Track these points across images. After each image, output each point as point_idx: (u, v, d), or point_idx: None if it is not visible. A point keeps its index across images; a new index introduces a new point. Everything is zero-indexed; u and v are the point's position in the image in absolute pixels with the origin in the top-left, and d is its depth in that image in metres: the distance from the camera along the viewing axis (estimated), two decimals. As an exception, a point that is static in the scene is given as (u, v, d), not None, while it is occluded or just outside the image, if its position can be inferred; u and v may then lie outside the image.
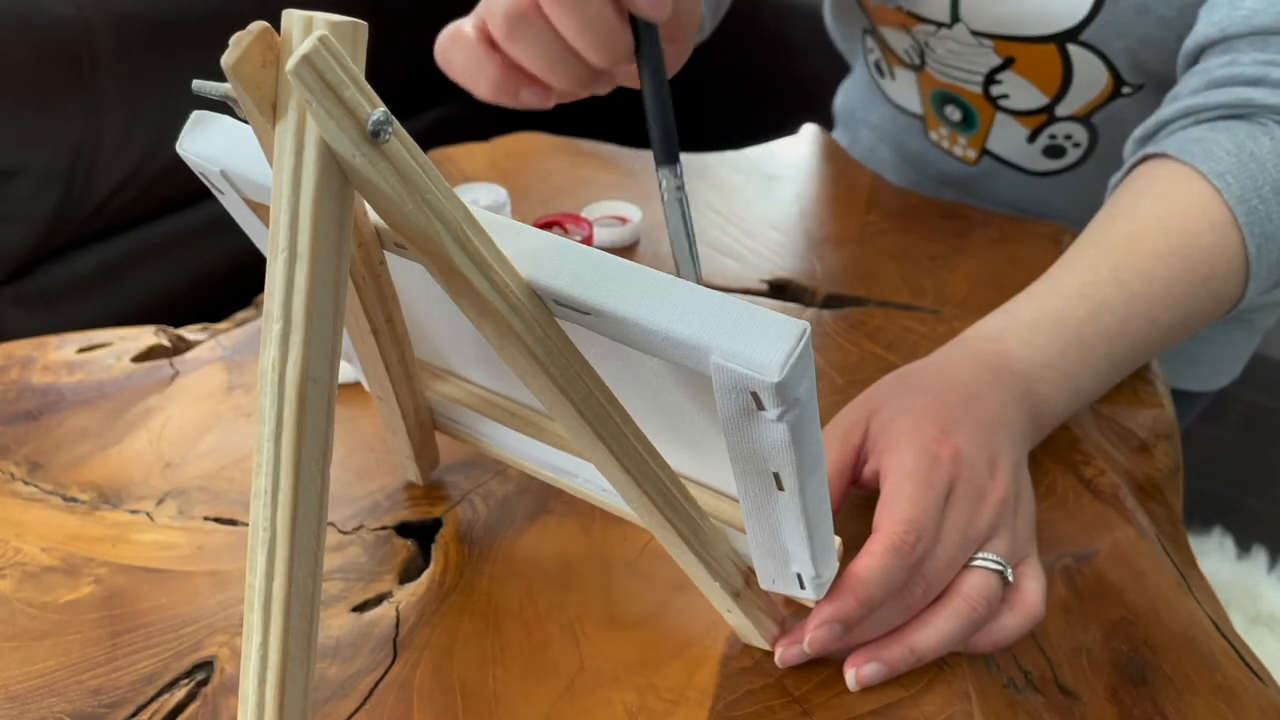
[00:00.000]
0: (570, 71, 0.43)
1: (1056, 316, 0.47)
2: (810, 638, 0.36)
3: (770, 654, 0.38)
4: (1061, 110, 0.71)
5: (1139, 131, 0.57)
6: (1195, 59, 0.57)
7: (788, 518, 0.31)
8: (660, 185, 0.43)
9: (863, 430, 0.42)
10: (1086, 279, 0.48)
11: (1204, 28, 0.55)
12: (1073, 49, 0.66)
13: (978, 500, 0.39)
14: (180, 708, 0.37)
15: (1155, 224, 0.50)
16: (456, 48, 0.45)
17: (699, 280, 0.42)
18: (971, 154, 0.80)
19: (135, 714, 0.37)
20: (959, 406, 0.41)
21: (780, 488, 0.30)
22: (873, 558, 0.36)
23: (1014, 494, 0.40)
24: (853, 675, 0.37)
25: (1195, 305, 0.51)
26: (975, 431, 0.40)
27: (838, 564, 0.35)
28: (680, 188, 0.42)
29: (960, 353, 0.46)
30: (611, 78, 0.46)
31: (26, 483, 0.48)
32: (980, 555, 0.38)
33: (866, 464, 0.41)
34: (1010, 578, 0.39)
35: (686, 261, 0.43)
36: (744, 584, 0.37)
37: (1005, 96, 0.73)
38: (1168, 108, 0.55)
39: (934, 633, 0.37)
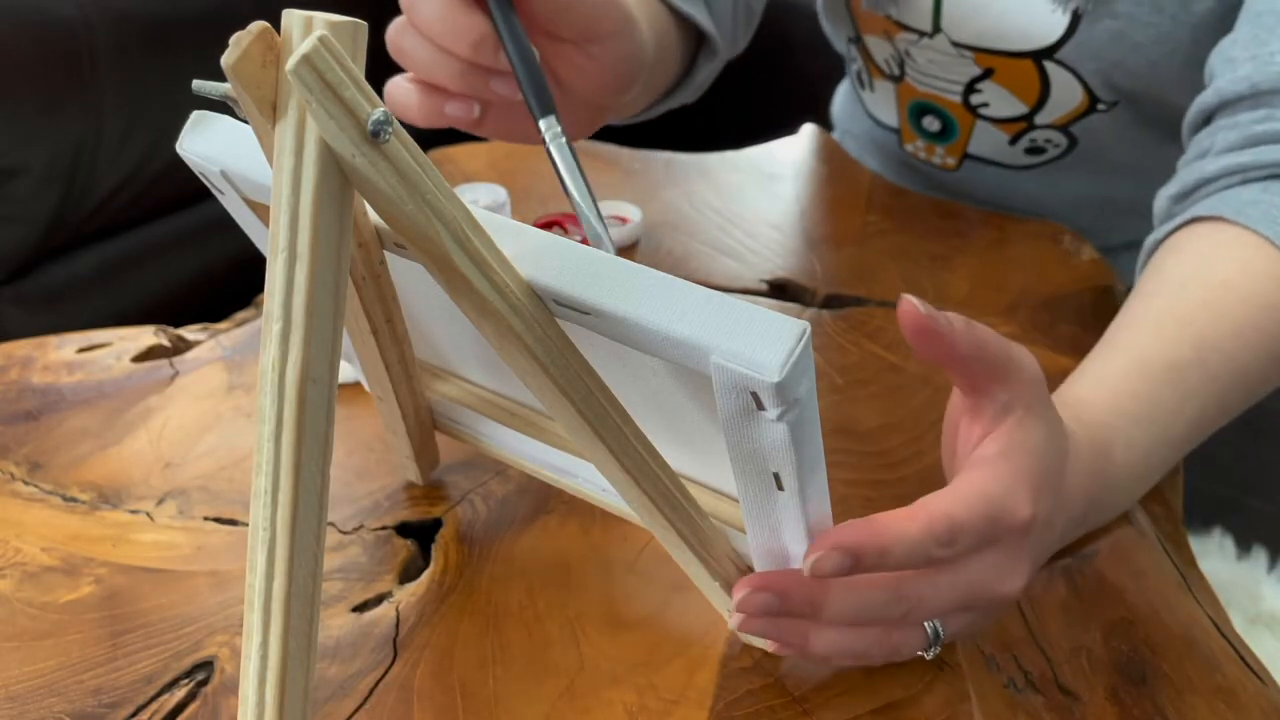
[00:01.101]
0: (449, 67, 0.47)
1: (1151, 412, 0.44)
2: (820, 556, 0.31)
3: (770, 654, 0.38)
4: (1040, 119, 0.72)
5: (1175, 188, 0.54)
6: (1211, 115, 0.55)
7: (788, 518, 0.31)
8: (544, 138, 0.47)
9: (1006, 388, 0.36)
10: (1172, 359, 0.45)
11: (1228, 84, 0.53)
12: (1049, 65, 0.67)
13: (1000, 576, 0.35)
14: (180, 708, 0.37)
15: (1233, 295, 0.47)
16: (395, 92, 0.50)
17: (599, 216, 0.45)
18: (951, 161, 0.81)
19: (135, 714, 0.37)
20: (1054, 490, 0.38)
21: (780, 488, 0.30)
22: (911, 522, 0.32)
23: (1010, 605, 0.38)
24: (739, 619, 0.34)
25: (1262, 382, 0.49)
26: (1049, 523, 0.38)
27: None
28: (561, 134, 0.46)
29: (1078, 431, 0.41)
30: (500, 73, 0.48)
31: (26, 483, 0.48)
32: (939, 621, 0.36)
33: (975, 412, 0.37)
34: (927, 656, 0.36)
35: (583, 192, 0.46)
36: (744, 584, 0.37)
37: (985, 105, 0.73)
38: (1208, 164, 0.53)
39: (839, 641, 0.35)
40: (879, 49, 0.76)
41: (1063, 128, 0.71)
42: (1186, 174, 0.54)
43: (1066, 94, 0.68)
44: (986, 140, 0.76)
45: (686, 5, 0.64)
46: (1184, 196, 0.54)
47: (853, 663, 0.37)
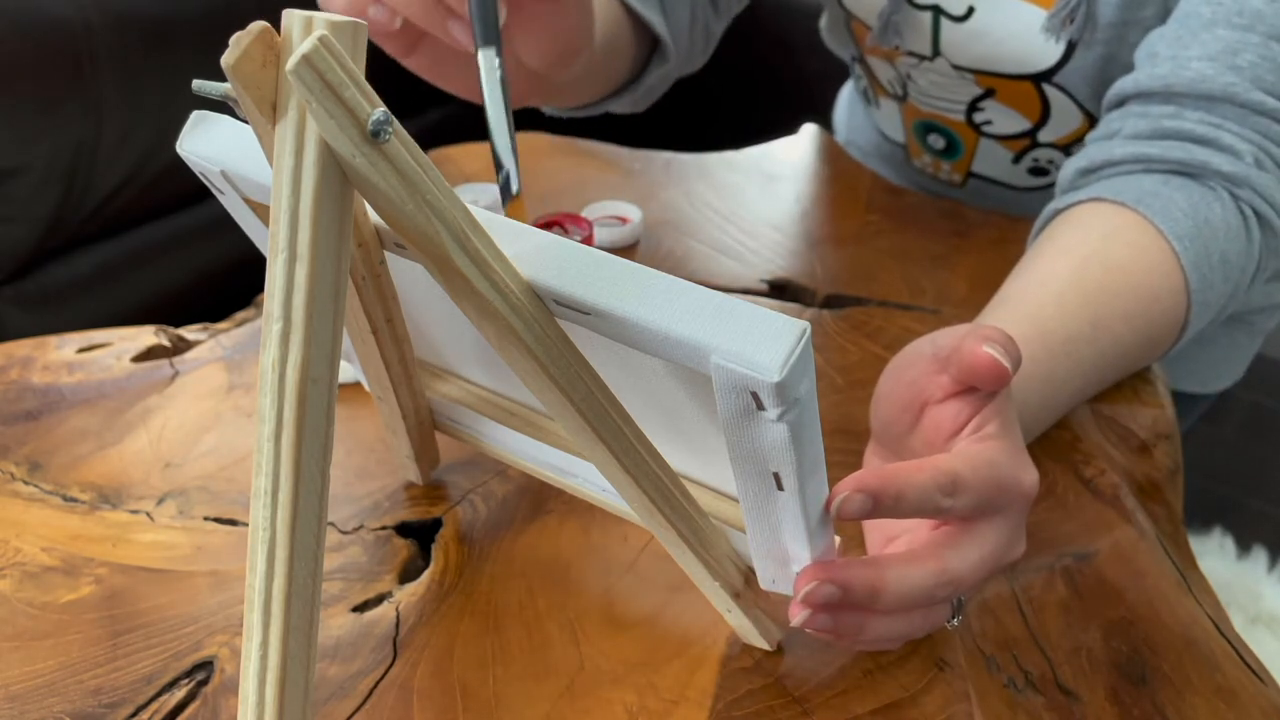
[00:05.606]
0: None
1: (1046, 379, 0.47)
2: (845, 497, 0.32)
3: (770, 654, 0.38)
4: (1043, 137, 0.72)
5: (1083, 162, 0.57)
6: (1125, 100, 0.57)
7: (788, 518, 0.31)
8: (479, 66, 0.46)
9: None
10: (1071, 332, 0.48)
11: (1145, 78, 0.55)
12: (1047, 88, 0.67)
13: (1013, 542, 0.37)
14: (180, 708, 0.37)
15: (1128, 280, 0.50)
16: None
17: (516, 167, 0.45)
18: (956, 178, 0.81)
19: (135, 714, 0.37)
20: None
21: (780, 488, 0.30)
22: (920, 472, 0.33)
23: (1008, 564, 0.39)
24: (803, 615, 0.34)
25: (1135, 363, 0.53)
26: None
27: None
28: (499, 69, 0.46)
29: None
30: (460, 20, 0.47)
31: (26, 483, 0.48)
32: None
33: (965, 396, 0.38)
34: (950, 625, 0.38)
35: (503, 140, 0.45)
36: (744, 584, 0.37)
37: (989, 122, 0.74)
38: (1117, 146, 0.55)
39: (890, 626, 0.35)
40: (882, 70, 0.77)
41: (1065, 148, 0.72)
42: (1095, 151, 0.56)
43: (1065, 116, 0.69)
44: (990, 158, 0.77)
45: (643, 7, 0.65)
46: (1090, 172, 0.57)
47: (894, 646, 0.38)
